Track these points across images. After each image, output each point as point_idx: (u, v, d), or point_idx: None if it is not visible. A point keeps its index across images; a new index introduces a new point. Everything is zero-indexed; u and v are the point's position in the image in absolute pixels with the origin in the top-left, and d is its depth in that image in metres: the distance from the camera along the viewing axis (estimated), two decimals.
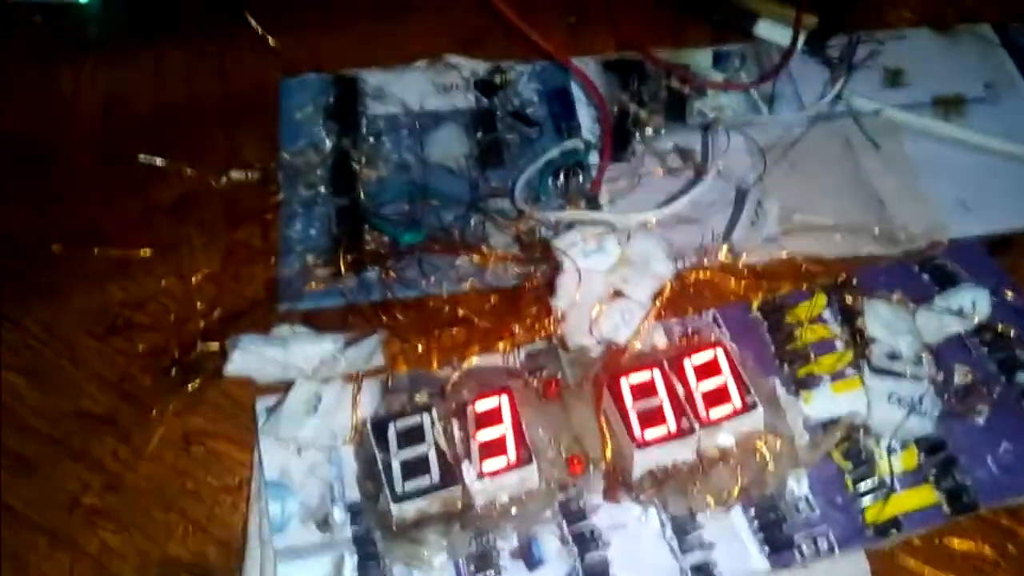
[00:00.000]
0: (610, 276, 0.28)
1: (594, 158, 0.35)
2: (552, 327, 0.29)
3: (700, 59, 0.40)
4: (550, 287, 0.30)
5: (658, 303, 0.28)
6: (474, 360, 0.30)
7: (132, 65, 0.39)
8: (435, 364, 0.30)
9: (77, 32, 0.40)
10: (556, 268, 0.30)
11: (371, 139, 0.36)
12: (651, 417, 0.27)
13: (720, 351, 0.28)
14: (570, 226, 0.29)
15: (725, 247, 0.30)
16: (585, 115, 0.37)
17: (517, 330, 0.31)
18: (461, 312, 0.31)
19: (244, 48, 0.40)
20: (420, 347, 0.30)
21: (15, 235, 0.33)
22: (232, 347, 0.27)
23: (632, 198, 0.34)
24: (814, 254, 0.34)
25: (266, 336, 0.28)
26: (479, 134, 0.36)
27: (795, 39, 0.38)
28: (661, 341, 0.28)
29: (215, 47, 0.40)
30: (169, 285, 0.31)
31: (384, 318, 0.31)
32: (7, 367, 0.30)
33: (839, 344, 0.31)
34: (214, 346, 0.28)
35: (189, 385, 0.28)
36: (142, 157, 0.34)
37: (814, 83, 0.39)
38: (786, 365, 0.30)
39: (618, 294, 0.28)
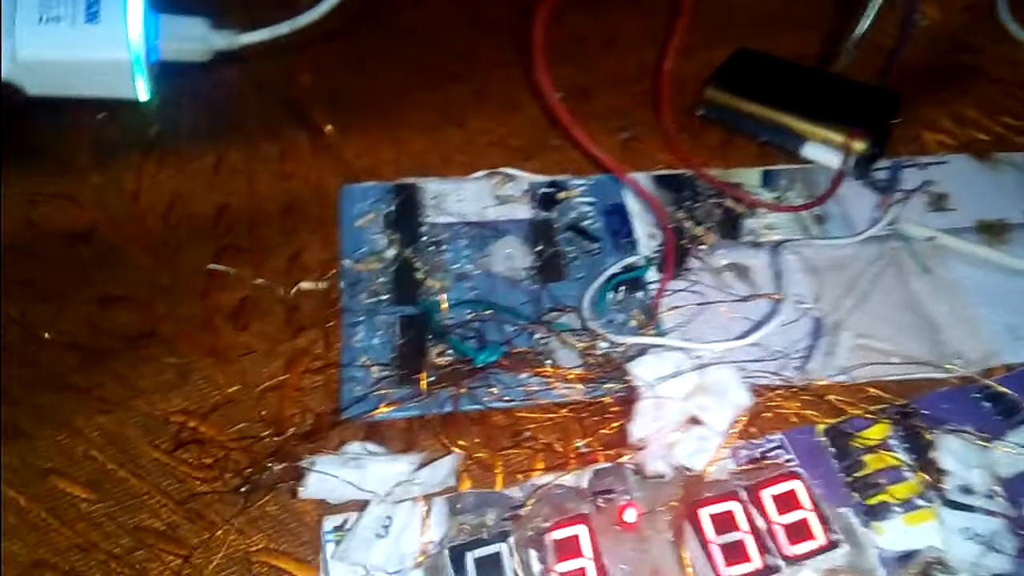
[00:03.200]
0: (686, 403, 0.28)
1: (650, 273, 0.36)
2: (626, 452, 0.28)
3: (749, 177, 0.41)
4: (620, 407, 0.31)
5: (735, 432, 0.28)
6: (541, 479, 0.30)
7: (193, 165, 0.39)
8: (499, 480, 0.30)
9: (139, 130, 0.41)
10: (630, 391, 0.30)
11: (432, 248, 0.37)
12: (734, 552, 0.26)
13: (799, 484, 0.28)
14: (642, 350, 0.30)
15: (800, 377, 0.30)
16: (641, 230, 0.38)
17: (585, 449, 0.30)
18: (527, 429, 0.31)
19: (304, 152, 0.40)
20: (485, 463, 0.30)
21: (74, 338, 0.32)
22: (307, 470, 0.26)
23: (689, 314, 0.35)
24: (873, 378, 0.34)
25: (340, 456, 0.27)
26: (539, 247, 0.36)
27: (846, 163, 0.40)
28: (729, 465, 0.28)
29: (276, 150, 0.40)
30: (233, 394, 0.31)
31: (448, 434, 0.31)
32: (66, 477, 0.29)
33: (908, 473, 0.31)
34: (284, 464, 0.28)
35: (257, 505, 0.28)
36: (211, 266, 0.34)
37: (861, 205, 0.40)
38: (856, 493, 0.30)
39: (694, 421, 0.28)
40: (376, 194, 0.39)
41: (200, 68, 0.43)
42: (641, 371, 0.28)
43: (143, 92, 0.40)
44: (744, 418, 0.28)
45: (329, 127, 0.38)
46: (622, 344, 0.31)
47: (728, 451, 0.28)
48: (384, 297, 0.34)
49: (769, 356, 0.32)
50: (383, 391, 0.31)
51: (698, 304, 0.33)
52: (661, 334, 0.32)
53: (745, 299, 0.33)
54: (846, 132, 0.40)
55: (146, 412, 0.31)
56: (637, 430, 0.27)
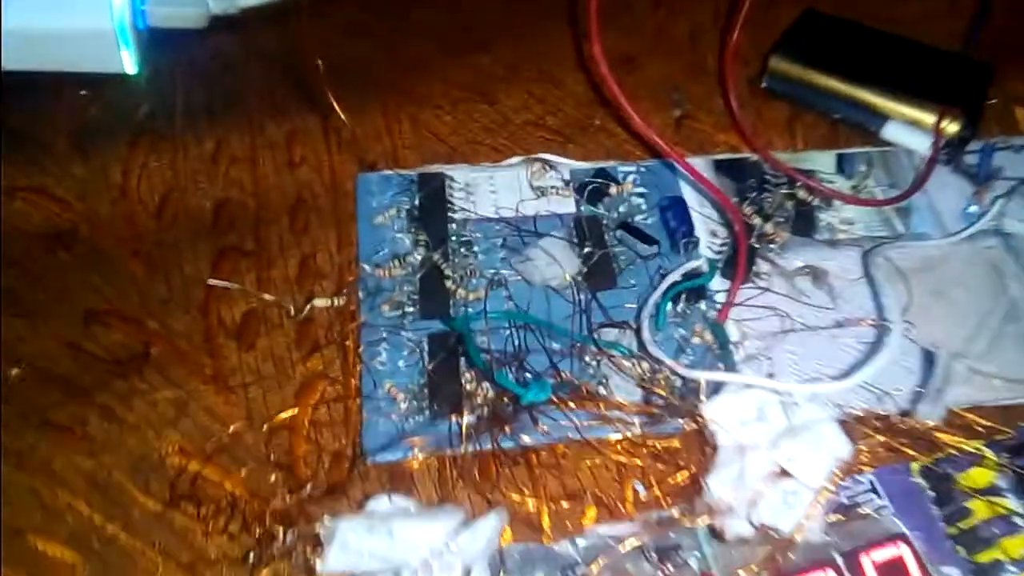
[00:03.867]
0: (773, 452, 0.24)
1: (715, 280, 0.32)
2: (698, 503, 0.24)
3: (822, 162, 0.36)
4: (689, 449, 0.26)
5: (830, 487, 0.24)
6: (595, 530, 0.26)
7: (189, 153, 0.34)
8: (545, 528, 0.26)
9: (126, 110, 0.36)
10: (700, 428, 0.26)
11: (462, 250, 0.32)
12: None
13: (906, 548, 0.24)
14: (717, 387, 0.25)
15: (909, 419, 0.26)
16: (702, 226, 0.33)
17: (644, 496, 0.26)
18: (578, 471, 0.27)
19: (314, 134, 0.35)
20: (530, 512, 0.26)
21: (54, 364, 0.28)
22: (328, 539, 0.22)
23: (764, 331, 0.30)
24: (973, 404, 0.30)
25: (364, 518, 0.23)
26: (586, 248, 0.32)
27: (937, 147, 0.34)
28: (822, 526, 0.24)
29: (282, 133, 0.35)
30: (238, 430, 0.27)
31: (487, 478, 0.26)
32: (45, 535, 0.25)
33: (1022, 522, 0.27)
34: (299, 527, 0.24)
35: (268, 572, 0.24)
36: (211, 281, 0.30)
37: (950, 195, 0.35)
38: (962, 548, 0.26)
39: (783, 473, 0.24)
40: (397, 185, 0.34)
41: (194, 36, 0.37)
42: (717, 413, 0.24)
43: (130, 65, 0.35)
44: (841, 471, 0.24)
45: (343, 116, 0.33)
46: (701, 384, 0.26)
47: (821, 509, 0.24)
48: (409, 310, 0.30)
49: (869, 398, 0.27)
50: (410, 426, 0.27)
51: (774, 315, 0.29)
52: (730, 363, 0.28)
53: (840, 326, 0.28)
54: (936, 111, 0.35)
55: (139, 454, 0.26)
56: (715, 485, 0.23)
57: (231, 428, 0.27)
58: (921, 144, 0.35)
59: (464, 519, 0.24)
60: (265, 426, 0.27)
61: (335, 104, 0.32)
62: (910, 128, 0.35)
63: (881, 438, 0.26)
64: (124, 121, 0.35)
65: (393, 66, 0.38)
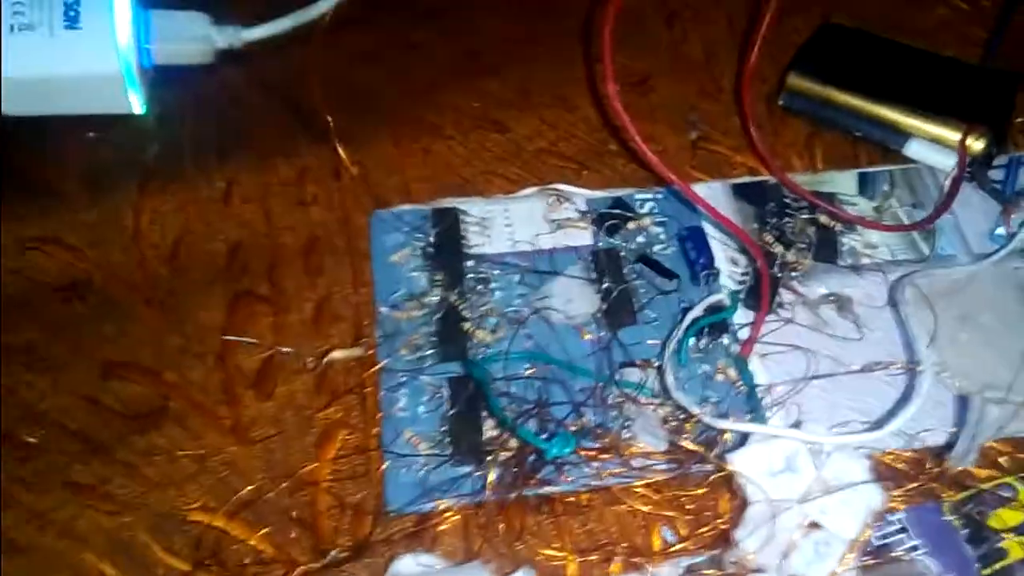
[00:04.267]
0: (804, 505, 0.23)
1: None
2: (727, 554, 0.24)
3: (843, 183, 0.35)
4: (716, 497, 0.26)
5: (863, 538, 0.23)
6: None
7: (200, 193, 0.34)
8: None
9: (135, 151, 0.35)
10: (728, 477, 0.25)
11: (479, 287, 0.32)
12: None
13: None
14: (744, 434, 0.25)
15: (944, 464, 0.25)
16: (722, 255, 0.33)
17: (673, 544, 0.26)
18: (603, 520, 0.27)
19: (325, 170, 0.35)
20: (556, 563, 0.26)
21: (73, 419, 0.28)
22: None
23: (787, 370, 0.30)
24: (1006, 436, 0.29)
25: None
26: (604, 283, 0.31)
27: (962, 166, 0.34)
28: None
29: (293, 170, 0.35)
30: (259, 486, 0.27)
31: (512, 529, 0.26)
32: None
33: None
34: None
35: None
36: (226, 336, 0.29)
37: (975, 215, 0.34)
38: None
39: (814, 524, 0.23)
40: (411, 221, 0.33)
41: (200, 71, 0.37)
42: (745, 465, 0.24)
43: (137, 105, 0.35)
44: (873, 520, 0.23)
45: (346, 158, 0.32)
46: (725, 434, 0.26)
47: (855, 559, 0.23)
48: (428, 352, 0.30)
49: (903, 445, 0.27)
50: (434, 477, 0.27)
51: (798, 351, 0.28)
52: (756, 405, 0.27)
53: (867, 370, 0.28)
54: (961, 127, 0.34)
55: (160, 512, 0.26)
56: (747, 540, 0.23)
57: (252, 485, 0.27)
58: (946, 162, 0.34)
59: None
60: (285, 483, 0.27)
61: (337, 145, 0.32)
62: (934, 146, 0.34)
63: (912, 482, 0.26)
64: (133, 163, 0.34)
65: (402, 94, 0.38)
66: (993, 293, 0.32)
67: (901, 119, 0.35)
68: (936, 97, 0.35)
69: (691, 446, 0.25)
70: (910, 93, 0.35)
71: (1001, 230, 0.33)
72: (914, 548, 0.26)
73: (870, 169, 0.35)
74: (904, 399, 0.27)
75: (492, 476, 0.25)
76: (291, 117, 0.36)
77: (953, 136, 0.34)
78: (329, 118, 0.34)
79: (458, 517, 0.26)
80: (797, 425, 0.25)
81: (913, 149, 0.35)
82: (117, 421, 0.28)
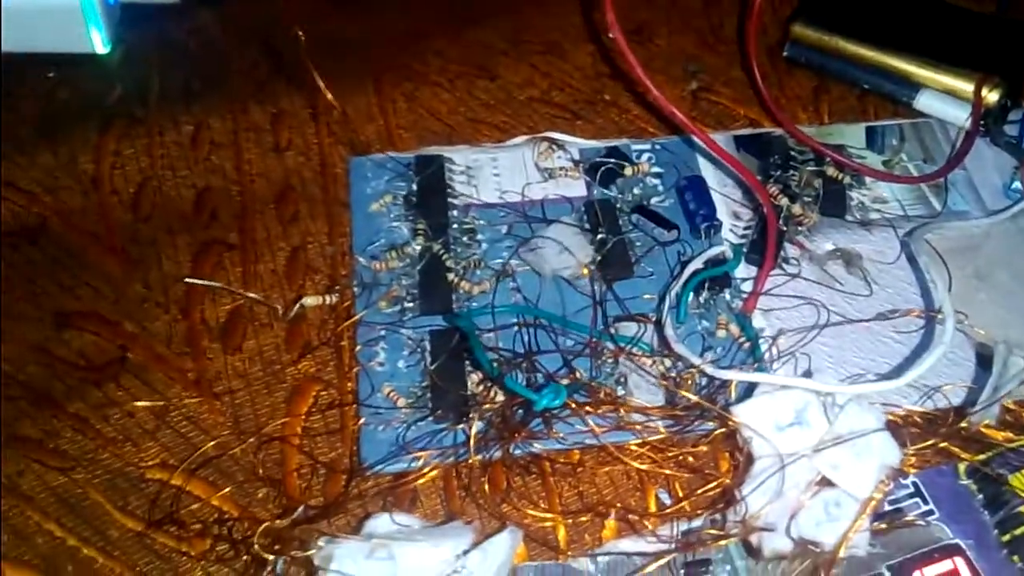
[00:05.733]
0: (814, 459, 0.21)
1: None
2: (730, 516, 0.22)
3: (851, 136, 0.33)
4: (717, 454, 0.24)
5: (878, 496, 0.21)
6: (616, 545, 0.24)
7: (166, 137, 0.32)
8: (562, 544, 0.24)
9: (96, 92, 0.33)
10: (731, 433, 0.24)
11: (464, 239, 0.30)
12: None
13: (962, 562, 0.22)
14: (749, 388, 0.23)
15: (960, 418, 0.24)
16: (723, 208, 0.31)
17: (670, 506, 0.24)
18: (594, 478, 0.25)
19: (301, 116, 0.33)
20: (544, 525, 0.24)
21: (22, 371, 0.26)
22: (324, 565, 0.20)
23: (794, 321, 0.28)
24: (1022, 396, 0.28)
25: (363, 541, 0.21)
26: (599, 234, 0.29)
27: (976, 118, 0.32)
28: (869, 539, 0.22)
29: (266, 115, 0.33)
30: (224, 443, 0.25)
31: (497, 490, 0.24)
32: (15, 562, 0.22)
33: None
34: (292, 555, 0.21)
35: None
36: (188, 280, 0.27)
37: (989, 170, 0.32)
38: (1018, 558, 0.24)
39: (825, 482, 0.22)
40: (392, 169, 0.31)
41: (170, 11, 0.35)
42: (750, 417, 0.22)
43: (100, 44, 0.33)
44: (888, 479, 0.21)
45: (330, 96, 0.30)
46: (729, 385, 0.24)
47: (867, 520, 0.22)
48: (409, 305, 0.28)
49: (915, 395, 0.25)
50: (413, 434, 0.25)
51: (806, 305, 0.26)
52: (761, 359, 0.26)
53: (885, 318, 0.26)
54: (974, 78, 0.33)
55: (115, 468, 0.24)
56: (750, 497, 0.21)
57: (217, 440, 0.25)
58: (958, 115, 0.32)
59: (474, 538, 0.22)
60: (254, 437, 0.25)
61: (320, 82, 0.29)
62: (946, 98, 0.33)
63: (929, 440, 0.24)
64: (95, 105, 0.32)
65: (386, 40, 0.36)
66: (1010, 250, 0.30)
67: (912, 70, 0.33)
68: (948, 47, 0.33)
69: (692, 398, 0.23)
70: (921, 43, 0.34)
71: (1017, 185, 0.31)
72: (929, 513, 0.25)
73: (879, 123, 0.33)
74: (920, 352, 0.26)
75: (475, 430, 0.23)
76: (267, 61, 0.34)
77: (966, 87, 0.32)
78: (308, 59, 0.31)
79: (439, 476, 0.24)
80: (807, 376, 0.24)
81: (924, 102, 0.33)
82: (70, 373, 0.26)
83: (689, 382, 0.25)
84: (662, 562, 0.22)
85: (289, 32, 0.33)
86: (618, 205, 0.30)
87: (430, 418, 0.25)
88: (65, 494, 0.24)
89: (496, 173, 0.31)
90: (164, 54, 0.34)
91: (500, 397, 0.25)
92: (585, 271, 0.28)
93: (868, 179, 0.31)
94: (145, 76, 0.33)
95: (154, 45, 0.34)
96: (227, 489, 0.24)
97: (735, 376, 0.23)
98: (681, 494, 0.24)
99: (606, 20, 0.25)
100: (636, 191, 0.31)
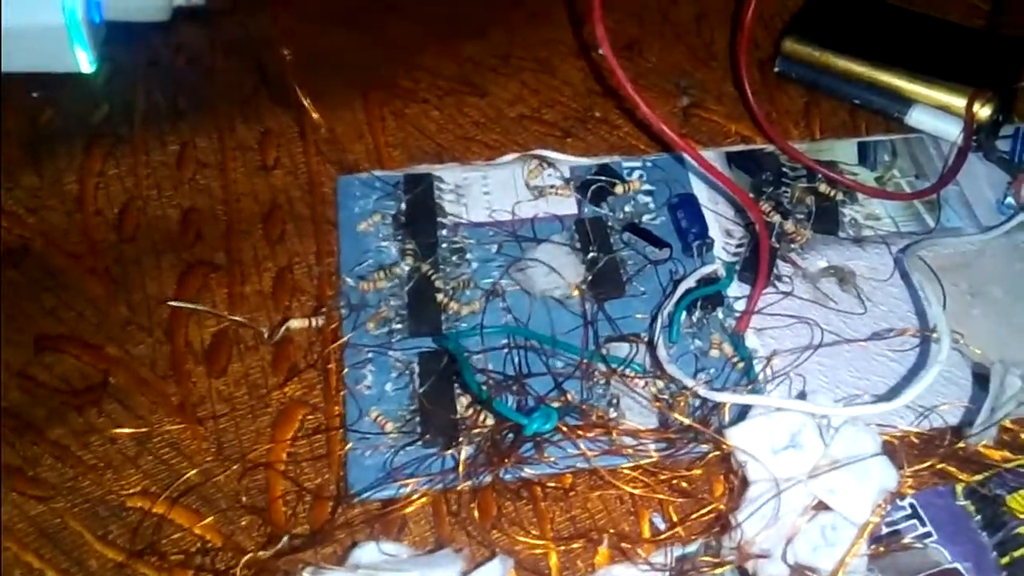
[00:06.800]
0: (810, 483, 0.21)
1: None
2: (725, 540, 0.22)
3: (842, 153, 0.33)
4: (711, 478, 0.24)
5: (875, 520, 0.21)
6: (608, 571, 0.23)
7: (151, 157, 0.31)
8: (554, 571, 0.23)
9: (82, 112, 0.32)
10: (725, 456, 0.23)
11: (454, 258, 0.29)
12: None
13: None
14: (743, 409, 0.23)
15: (957, 438, 0.23)
16: (715, 226, 0.31)
17: (664, 531, 0.24)
18: (586, 503, 0.24)
19: (288, 135, 0.32)
20: (536, 550, 0.24)
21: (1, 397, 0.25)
22: None
23: (787, 341, 0.28)
24: (1020, 415, 0.27)
25: (352, 574, 0.20)
26: (590, 253, 0.29)
27: (968, 133, 0.32)
28: (866, 564, 0.22)
29: (253, 134, 0.32)
30: (207, 469, 0.24)
31: (487, 517, 0.24)
32: None
33: None
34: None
35: None
36: (173, 302, 0.27)
37: (982, 185, 0.32)
38: None
39: (821, 505, 0.21)
40: (381, 188, 0.31)
41: (156, 29, 0.34)
42: (745, 440, 0.21)
43: (85, 63, 0.32)
44: (885, 502, 0.21)
45: (317, 116, 0.30)
46: (724, 408, 0.23)
47: (865, 545, 0.21)
48: (397, 327, 0.27)
49: (911, 415, 0.24)
50: (401, 459, 0.24)
51: (800, 323, 0.26)
52: (755, 379, 0.25)
53: (879, 337, 0.26)
54: (966, 93, 0.32)
55: (96, 496, 0.23)
56: (747, 524, 0.21)
57: (200, 466, 0.24)
58: (950, 131, 0.32)
59: (464, 567, 0.21)
60: (238, 463, 0.24)
61: (304, 100, 0.29)
62: (938, 113, 0.33)
63: (926, 460, 0.24)
64: (80, 125, 0.32)
65: (374, 57, 0.35)
66: (1004, 266, 0.30)
67: (903, 85, 0.33)
68: (940, 62, 0.33)
69: (686, 421, 0.23)
70: (913, 58, 0.34)
71: (1010, 200, 0.31)
72: (926, 535, 0.24)
73: (870, 138, 0.33)
74: (915, 371, 0.25)
75: (465, 455, 0.23)
76: (253, 79, 0.34)
77: (958, 103, 0.32)
78: (294, 77, 0.31)
79: (427, 500, 0.24)
80: (802, 397, 0.23)
81: (916, 117, 0.33)
82: (50, 398, 0.25)
83: (682, 404, 0.24)
84: (635, 572, 0.22)
85: (277, 50, 0.34)
86: (609, 223, 0.30)
87: (419, 443, 0.24)
88: (44, 524, 0.23)
89: (486, 191, 0.31)
90: (150, 73, 0.34)
91: (490, 421, 0.24)
92: (576, 291, 0.28)
93: (861, 196, 0.31)
94: (130, 95, 0.33)
95: (140, 64, 0.34)
96: (210, 518, 0.23)
97: (729, 399, 0.22)
98: (675, 519, 0.24)
99: (595, 36, 0.25)
100: (627, 209, 0.31)
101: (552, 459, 0.24)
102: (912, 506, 0.25)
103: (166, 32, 0.34)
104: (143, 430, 0.25)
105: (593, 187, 0.30)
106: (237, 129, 0.32)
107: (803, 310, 0.28)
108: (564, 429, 0.23)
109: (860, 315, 0.28)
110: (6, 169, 0.31)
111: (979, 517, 0.25)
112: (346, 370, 0.26)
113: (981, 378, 0.26)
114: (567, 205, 0.31)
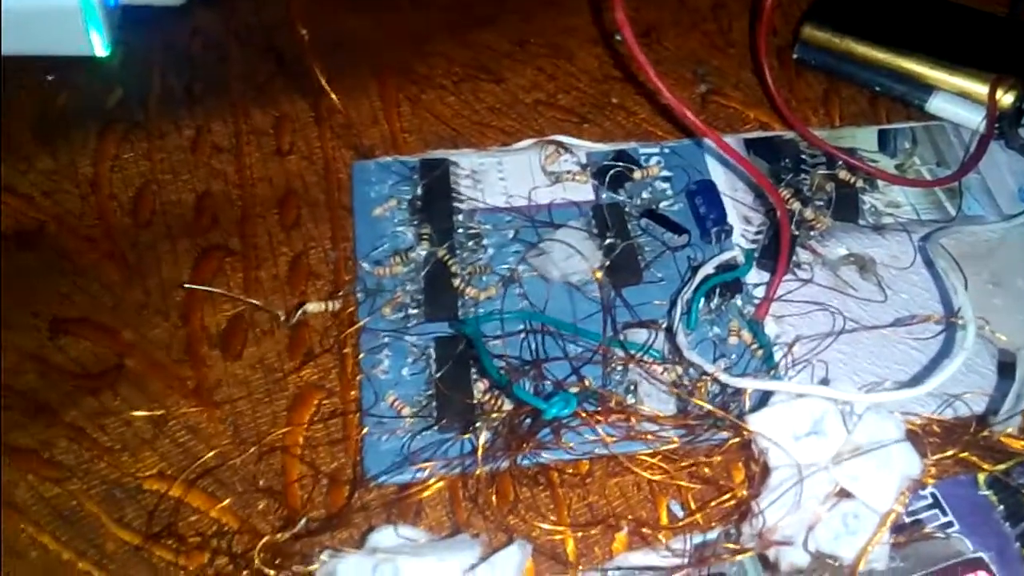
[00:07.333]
0: (833, 470, 0.21)
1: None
2: (745, 528, 0.22)
3: (863, 140, 0.33)
4: (730, 464, 0.24)
5: (898, 509, 0.21)
6: (627, 559, 0.23)
7: (166, 141, 0.31)
8: (571, 557, 0.23)
9: (96, 96, 0.32)
10: (745, 442, 0.23)
11: (470, 243, 0.29)
12: None
13: None
14: (764, 396, 0.23)
15: (981, 427, 0.23)
16: (733, 213, 0.30)
17: (683, 518, 0.24)
18: (604, 490, 0.24)
19: (304, 120, 0.32)
20: (553, 538, 0.23)
21: (16, 379, 0.25)
22: None
23: (808, 328, 0.27)
24: None
25: (368, 555, 0.20)
26: (607, 239, 0.29)
27: (991, 120, 0.31)
28: (889, 553, 0.21)
29: (269, 119, 0.32)
30: (223, 452, 0.24)
31: (504, 502, 0.24)
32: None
33: None
34: (294, 563, 0.21)
35: None
36: (187, 285, 0.27)
37: (1004, 174, 0.32)
38: None
39: (843, 493, 0.21)
40: (397, 173, 0.30)
41: (171, 13, 0.34)
42: (766, 426, 0.21)
43: (99, 47, 0.32)
44: (909, 491, 0.21)
45: (335, 97, 0.29)
46: (744, 393, 0.23)
47: (887, 533, 0.21)
48: (413, 312, 0.27)
49: (934, 403, 0.24)
50: (417, 444, 0.24)
51: (820, 311, 0.26)
52: (774, 367, 0.25)
53: (902, 323, 0.26)
54: (988, 80, 0.32)
55: (112, 479, 0.23)
56: (769, 512, 0.20)
57: (216, 449, 0.24)
58: (972, 118, 0.32)
59: (481, 552, 0.21)
60: (254, 446, 0.24)
61: (325, 84, 0.29)
62: (959, 100, 0.32)
63: (948, 449, 0.23)
64: (94, 108, 0.32)
65: (390, 43, 0.35)
66: (1022, 254, 0.30)
67: (924, 71, 0.33)
68: (962, 48, 0.33)
69: (707, 406, 0.22)
70: (934, 44, 0.33)
71: None
72: (948, 525, 0.24)
73: (891, 126, 0.33)
74: (937, 359, 0.25)
75: (482, 439, 0.23)
76: (269, 64, 0.34)
77: (980, 89, 0.32)
78: (312, 62, 0.31)
79: (444, 485, 0.24)
80: (824, 384, 0.23)
81: (937, 104, 0.32)
82: (66, 381, 0.25)
83: (702, 390, 0.24)
84: (666, 562, 0.22)
85: (292, 34, 0.33)
86: (627, 209, 0.30)
87: (435, 428, 0.24)
88: (60, 505, 0.23)
89: (502, 177, 0.31)
90: (165, 57, 0.34)
91: (507, 406, 0.24)
92: (598, 274, 0.28)
93: (881, 183, 0.31)
94: (145, 79, 0.33)
95: (155, 47, 0.34)
96: (227, 501, 0.23)
97: (751, 384, 0.22)
98: (694, 506, 0.23)
99: (615, 20, 0.24)
100: (645, 195, 0.30)
101: (570, 445, 0.24)
102: (934, 495, 0.25)
103: (181, 16, 0.34)
104: (159, 412, 0.25)
105: (610, 173, 0.30)
106: (252, 114, 0.32)
107: (823, 297, 0.28)
108: (582, 414, 0.23)
109: (880, 303, 0.28)
110: (21, 152, 0.31)
111: (1002, 507, 0.24)
112: (362, 355, 0.26)
113: (1005, 366, 0.25)
114: (584, 191, 0.30)
